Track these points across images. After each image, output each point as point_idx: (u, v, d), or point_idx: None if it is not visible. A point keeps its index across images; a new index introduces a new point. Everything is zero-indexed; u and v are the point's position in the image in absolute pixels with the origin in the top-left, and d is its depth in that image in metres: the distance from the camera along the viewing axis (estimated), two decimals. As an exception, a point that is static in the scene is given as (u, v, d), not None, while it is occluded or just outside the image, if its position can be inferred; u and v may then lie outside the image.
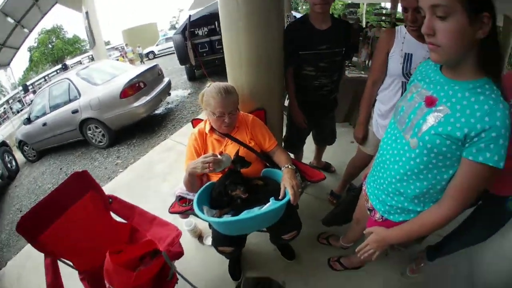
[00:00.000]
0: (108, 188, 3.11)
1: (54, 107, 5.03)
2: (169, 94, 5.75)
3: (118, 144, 4.83)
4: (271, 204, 1.24)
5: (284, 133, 2.26)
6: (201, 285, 1.69)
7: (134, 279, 1.21)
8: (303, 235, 1.61)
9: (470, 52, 0.74)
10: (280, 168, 1.48)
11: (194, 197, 1.39)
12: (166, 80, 5.65)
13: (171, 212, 1.56)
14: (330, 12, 1.79)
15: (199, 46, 7.24)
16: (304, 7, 26.11)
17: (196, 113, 5.12)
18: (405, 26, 1.45)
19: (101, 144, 4.89)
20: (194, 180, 1.43)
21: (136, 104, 4.58)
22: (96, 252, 1.53)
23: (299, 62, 1.83)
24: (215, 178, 1.49)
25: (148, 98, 4.76)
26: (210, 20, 7.87)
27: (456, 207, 0.83)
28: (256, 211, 1.25)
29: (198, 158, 1.33)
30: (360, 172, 2.09)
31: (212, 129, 1.54)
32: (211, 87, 1.46)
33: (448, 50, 0.73)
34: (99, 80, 4.86)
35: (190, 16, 7.02)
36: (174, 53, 17.31)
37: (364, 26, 10.67)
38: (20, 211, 4.15)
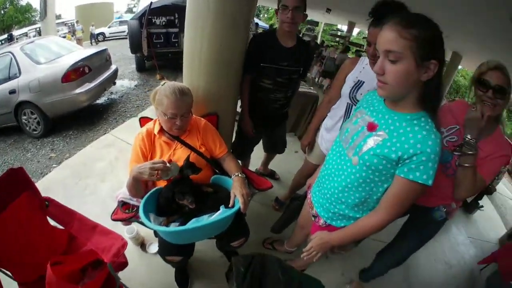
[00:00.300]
0: (40, 187, 2.72)
1: None
2: (114, 84, 5.34)
3: (53, 135, 4.29)
4: (221, 213, 1.24)
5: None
6: None
7: None
8: (249, 240, 1.63)
9: (414, 89, 0.87)
10: (229, 176, 1.47)
11: (140, 204, 1.32)
12: (113, 67, 5.21)
13: (113, 219, 1.44)
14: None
15: (154, 36, 6.86)
16: (266, 15, 26.84)
17: (141, 108, 4.82)
18: None
19: (35, 132, 4.31)
20: (138, 185, 1.35)
21: (78, 90, 4.15)
22: (34, 261, 1.37)
23: (258, 73, 1.88)
24: (161, 183, 1.42)
25: (91, 85, 4.35)
26: (170, 11, 7.50)
27: (389, 216, 0.97)
28: (205, 219, 1.23)
29: (146, 163, 1.25)
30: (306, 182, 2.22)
31: (161, 131, 1.46)
32: (165, 85, 1.38)
33: (393, 88, 0.86)
34: (43, 58, 4.31)
35: (151, 3, 6.61)
36: (126, 38, 14.93)
37: (319, 44, 11.26)
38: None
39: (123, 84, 6.32)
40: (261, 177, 1.72)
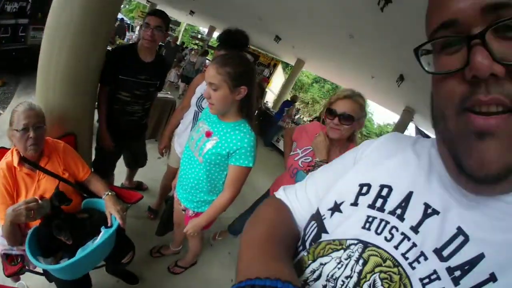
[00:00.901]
0: None
1: None
2: None
3: None
4: (103, 234, 1.33)
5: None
6: None
7: None
8: (137, 255, 1.69)
9: (233, 105, 1.31)
10: (99, 196, 1.53)
11: (22, 251, 1.28)
12: None
13: (8, 275, 1.30)
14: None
15: (2, 30, 5.23)
16: (127, 6, 24.54)
17: None
18: None
19: None
20: (16, 230, 1.27)
21: None
22: None
23: (116, 85, 1.94)
24: (33, 224, 1.33)
25: None
26: None
27: (231, 193, 1.41)
28: (90, 245, 1.29)
29: (20, 204, 1.18)
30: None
31: (21, 161, 1.36)
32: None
33: (217, 107, 1.29)
34: None
35: None
36: None
37: (179, 45, 11.08)
38: None
39: None
40: (130, 190, 1.84)
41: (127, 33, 11.87)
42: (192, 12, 11.81)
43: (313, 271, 0.42)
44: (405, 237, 0.38)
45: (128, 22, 14.07)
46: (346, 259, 0.40)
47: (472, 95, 0.32)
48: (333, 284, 0.39)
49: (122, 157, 2.46)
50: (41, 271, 1.46)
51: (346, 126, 1.35)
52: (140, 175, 2.94)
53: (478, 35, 0.30)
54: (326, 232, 0.44)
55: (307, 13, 5.43)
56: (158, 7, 15.40)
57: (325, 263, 0.41)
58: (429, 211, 0.38)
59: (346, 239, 0.41)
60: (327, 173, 0.57)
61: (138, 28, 10.91)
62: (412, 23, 3.51)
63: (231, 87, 1.24)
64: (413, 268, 0.35)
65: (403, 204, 0.40)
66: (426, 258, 0.35)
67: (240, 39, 1.83)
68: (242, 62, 1.27)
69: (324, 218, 0.45)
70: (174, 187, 1.73)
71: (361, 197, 0.44)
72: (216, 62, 1.24)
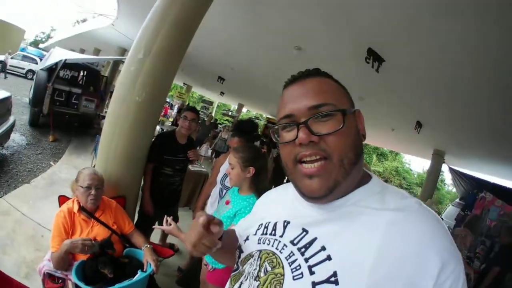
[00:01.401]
0: None
1: None
2: (9, 138, 4.63)
3: None
4: (139, 275, 1.65)
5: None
6: None
7: None
8: None
9: (245, 181, 1.72)
10: (138, 247, 1.91)
11: (62, 275, 1.66)
12: (11, 119, 4.52)
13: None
14: (188, 101, 2.76)
15: (57, 93, 6.43)
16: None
17: (33, 173, 4.43)
18: None
19: None
20: (67, 257, 1.66)
21: None
22: None
23: (160, 163, 2.51)
24: (81, 256, 1.71)
25: None
26: (78, 67, 7.34)
27: None
28: (126, 282, 1.61)
29: (77, 239, 1.61)
30: None
31: (80, 210, 1.81)
32: (82, 169, 1.87)
33: (233, 181, 1.73)
34: None
35: (65, 60, 6.37)
36: (23, 77, 14.23)
37: (213, 122, 12.30)
38: None
39: (15, 139, 5.49)
40: (163, 247, 2.17)
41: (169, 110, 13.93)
42: (222, 93, 13.51)
43: (243, 272, 0.69)
44: (276, 240, 0.65)
45: (168, 100, 16.06)
46: (253, 261, 0.67)
47: (300, 153, 0.57)
48: (249, 276, 0.65)
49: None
50: None
51: None
52: (173, 237, 3.10)
53: (303, 122, 0.56)
54: (243, 252, 0.73)
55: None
56: (193, 89, 17.46)
57: (245, 268, 0.68)
58: (285, 224, 0.67)
59: (252, 251, 0.69)
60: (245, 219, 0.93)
61: (176, 106, 12.44)
62: (409, 74, 3.95)
63: (241, 167, 1.71)
64: (281, 252, 0.62)
65: (274, 228, 0.69)
66: (286, 246, 0.62)
67: (249, 127, 2.39)
68: (252, 149, 1.78)
69: (242, 245, 0.75)
70: None
71: (257, 230, 0.73)
72: (234, 148, 1.83)
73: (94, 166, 2.31)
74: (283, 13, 3.62)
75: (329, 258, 0.54)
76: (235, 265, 0.73)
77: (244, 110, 16.31)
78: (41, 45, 31.90)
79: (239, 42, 5.52)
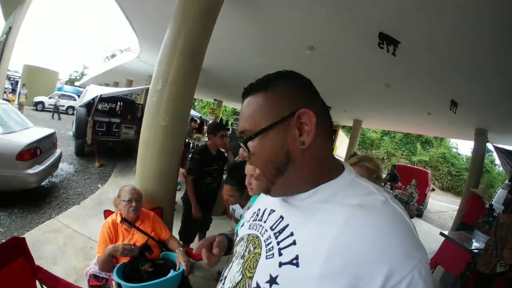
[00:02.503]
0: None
1: None
2: (57, 168, 5.30)
3: None
4: (171, 273, 1.85)
5: (179, 228, 3.03)
6: None
7: None
8: None
9: None
10: (173, 251, 2.12)
11: (106, 276, 1.93)
12: (58, 151, 5.26)
13: (91, 285, 1.94)
14: (221, 115, 2.98)
15: (98, 124, 7.13)
16: (200, 103, 30.37)
17: (82, 196, 4.97)
18: None
19: None
20: (110, 259, 1.91)
21: (30, 171, 4.05)
22: None
23: (201, 174, 2.87)
24: (122, 259, 1.95)
25: (41, 167, 4.31)
26: (114, 99, 8.12)
27: None
28: (159, 279, 1.80)
29: (118, 244, 1.88)
30: None
31: (122, 220, 2.08)
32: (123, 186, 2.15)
33: (256, 191, 1.58)
34: (1, 129, 4.20)
35: (101, 95, 7.16)
36: (63, 113, 15.39)
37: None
38: None
39: (63, 168, 6.19)
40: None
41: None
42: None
43: (235, 252, 0.78)
44: (261, 226, 0.73)
45: (200, 115, 16.89)
46: (243, 243, 0.75)
47: None
48: (239, 255, 0.74)
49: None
50: None
51: None
52: None
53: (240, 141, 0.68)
54: (237, 236, 0.83)
55: (343, 78, 6.05)
56: (224, 103, 18.00)
57: (237, 248, 0.78)
58: (270, 211, 0.74)
59: (243, 235, 0.78)
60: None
61: (210, 121, 12.90)
62: (429, 53, 3.74)
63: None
64: (262, 236, 0.69)
65: (262, 214, 0.77)
66: (266, 231, 0.69)
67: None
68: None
69: (238, 231, 0.85)
70: None
71: (251, 217, 0.81)
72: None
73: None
74: (288, 16, 3.72)
75: (294, 243, 0.60)
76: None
77: None
78: (76, 83, 34.18)
79: (254, 53, 5.68)
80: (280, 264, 0.59)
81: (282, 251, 0.61)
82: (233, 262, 0.75)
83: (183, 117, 2.68)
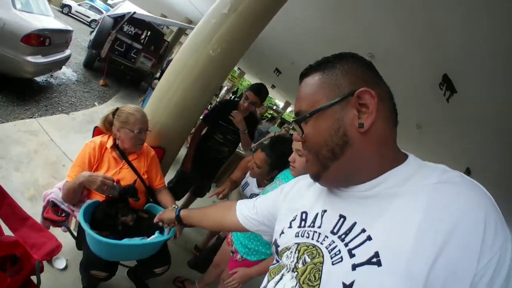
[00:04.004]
0: None
1: None
2: (60, 68, 4.89)
3: None
4: (157, 237, 1.40)
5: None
6: None
7: (7, 286, 1.02)
8: (160, 278, 1.70)
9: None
10: (161, 205, 1.66)
11: (72, 209, 1.44)
12: (67, 52, 4.75)
13: (45, 218, 1.43)
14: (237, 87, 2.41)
15: (118, 42, 6.63)
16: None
17: (74, 107, 4.48)
18: None
19: None
20: (80, 191, 1.43)
21: (29, 58, 3.57)
22: None
23: (215, 127, 2.38)
24: (96, 196, 1.49)
25: (43, 60, 3.83)
26: (143, 25, 7.46)
27: None
28: (138, 240, 1.37)
29: (98, 174, 1.38)
30: None
31: (113, 146, 1.59)
32: (126, 107, 1.60)
33: (299, 170, 1.36)
34: (20, 4, 3.69)
35: (135, 12, 6.46)
36: (86, 24, 14.88)
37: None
38: None
39: (65, 72, 5.71)
40: None
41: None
42: (273, 86, 13.08)
43: (282, 264, 0.68)
44: (315, 232, 0.63)
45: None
46: (290, 253, 0.65)
47: None
48: (287, 268, 0.64)
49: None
50: (75, 235, 1.58)
51: None
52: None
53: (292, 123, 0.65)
54: (279, 246, 0.71)
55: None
56: (246, 76, 17.26)
57: (283, 260, 0.67)
58: (323, 213, 0.65)
59: (289, 245, 0.67)
60: (269, 198, 0.91)
61: (225, 88, 12.29)
62: (476, 113, 3.50)
63: None
64: (322, 244, 0.60)
65: (312, 219, 0.67)
66: (327, 237, 0.60)
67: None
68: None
69: (277, 240, 0.73)
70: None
71: (292, 222, 0.71)
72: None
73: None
74: (366, 17, 3.39)
75: (369, 238, 0.53)
76: (274, 260, 0.74)
77: (288, 109, 16.33)
78: (109, 1, 34.09)
79: (311, 37, 5.19)
80: (354, 267, 0.51)
81: (354, 251, 0.53)
82: (282, 275, 0.65)
83: (235, 55, 2.16)
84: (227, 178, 2.23)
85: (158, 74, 8.51)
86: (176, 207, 1.57)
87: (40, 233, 1.16)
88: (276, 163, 1.67)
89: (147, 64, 7.14)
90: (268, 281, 0.69)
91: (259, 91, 2.31)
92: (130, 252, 1.43)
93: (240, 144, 2.55)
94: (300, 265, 0.61)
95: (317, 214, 0.66)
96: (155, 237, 1.40)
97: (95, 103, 5.05)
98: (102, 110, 4.85)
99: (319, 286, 0.54)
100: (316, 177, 0.64)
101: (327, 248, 0.58)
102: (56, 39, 4.17)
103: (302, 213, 0.70)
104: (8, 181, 2.32)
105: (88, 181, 1.35)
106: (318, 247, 0.60)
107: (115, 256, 1.43)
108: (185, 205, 2.92)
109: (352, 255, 0.53)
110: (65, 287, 1.74)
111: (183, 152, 2.44)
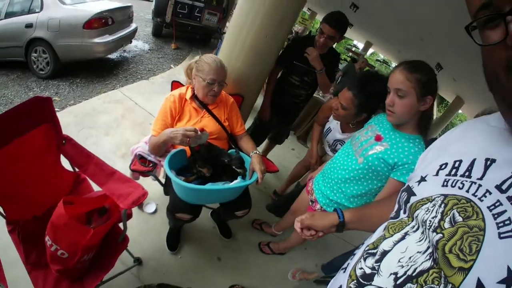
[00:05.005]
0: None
1: (9, 14, 4.17)
2: (130, 42, 5.29)
3: (59, 78, 4.13)
4: (239, 182, 1.39)
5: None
6: (138, 253, 1.73)
7: (90, 237, 1.09)
8: (240, 219, 1.75)
9: (415, 116, 1.17)
10: (242, 151, 1.64)
11: (155, 160, 1.51)
12: (133, 25, 5.14)
13: (132, 170, 1.52)
14: (309, 30, 2.02)
15: (179, 5, 6.64)
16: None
17: (152, 72, 4.81)
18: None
19: (42, 72, 4.16)
20: (165, 147, 1.49)
21: (97, 40, 4.05)
22: (34, 199, 1.35)
23: (289, 69, 2.09)
24: (180, 146, 1.52)
25: (111, 38, 4.27)
26: None
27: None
28: (221, 185, 1.38)
29: (178, 129, 1.36)
30: (306, 172, 2.41)
31: (193, 97, 1.59)
32: (205, 56, 1.53)
33: (399, 115, 1.16)
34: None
35: None
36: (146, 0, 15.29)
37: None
38: None
39: (137, 45, 6.16)
40: (269, 161, 1.86)
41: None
42: (350, 25, 11.58)
43: (409, 222, 0.55)
44: (473, 183, 0.47)
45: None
46: (432, 207, 0.50)
47: None
48: (423, 226, 0.50)
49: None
50: (162, 182, 1.71)
51: None
52: (272, 159, 3.01)
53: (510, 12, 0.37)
54: (414, 195, 0.56)
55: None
56: (317, 17, 15.75)
57: (417, 215, 0.52)
58: (489, 162, 0.48)
59: (431, 196, 0.52)
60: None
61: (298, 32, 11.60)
62: None
63: (419, 95, 1.12)
64: (482, 200, 0.44)
65: (469, 168, 0.50)
66: (490, 193, 0.44)
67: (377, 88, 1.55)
68: (429, 69, 1.17)
69: (413, 187, 0.58)
70: (310, 178, 1.69)
71: (440, 171, 0.55)
72: (404, 67, 1.14)
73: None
74: None
75: None
76: (394, 212, 0.62)
77: (369, 51, 14.20)
78: None
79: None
80: None
81: None
82: (406, 234, 0.53)
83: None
84: (305, 129, 2.02)
85: (225, 28, 8.39)
86: (258, 152, 1.57)
87: (127, 183, 1.23)
88: (364, 104, 1.47)
89: (212, 20, 7.03)
90: (384, 238, 0.57)
91: (335, 21, 1.86)
92: (213, 196, 1.48)
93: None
94: (446, 225, 0.46)
95: (474, 161, 0.50)
96: (237, 182, 1.40)
97: (171, 66, 5.31)
98: (179, 70, 5.06)
99: (474, 263, 0.40)
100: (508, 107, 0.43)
101: (489, 210, 0.43)
102: (118, 17, 4.50)
103: (456, 161, 0.54)
104: (100, 146, 2.59)
105: (170, 137, 1.37)
106: (474, 203, 0.45)
107: (198, 200, 1.48)
108: (264, 152, 2.89)
109: None
110: (154, 228, 1.96)
111: (259, 100, 2.33)
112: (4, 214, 1.30)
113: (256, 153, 1.56)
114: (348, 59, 12.78)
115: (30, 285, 1.21)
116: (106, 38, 4.18)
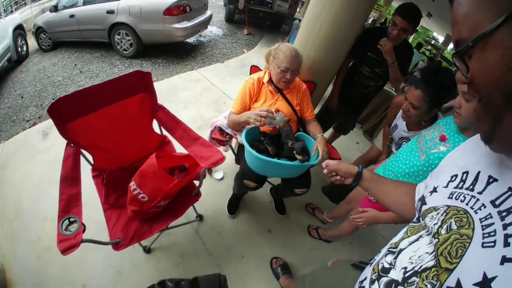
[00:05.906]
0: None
1: (88, 2, 4.83)
2: (206, 28, 5.67)
3: (142, 58, 4.71)
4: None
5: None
6: (201, 211, 2.03)
7: (172, 186, 1.29)
8: (295, 200, 1.90)
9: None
10: (309, 135, 1.78)
11: (232, 133, 1.74)
12: (208, 12, 5.53)
13: (213, 138, 1.76)
14: (385, 17, 1.98)
15: None
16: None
17: (227, 56, 5.12)
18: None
19: (125, 52, 4.79)
20: (242, 125, 1.68)
21: (177, 25, 4.49)
22: (123, 153, 1.63)
23: (360, 60, 2.13)
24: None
25: (189, 24, 4.68)
26: None
27: None
28: (288, 161, 1.51)
29: (252, 112, 1.55)
30: (368, 166, 2.39)
31: (269, 81, 1.75)
32: (282, 44, 1.67)
33: (464, 119, 1.17)
34: None
35: None
36: None
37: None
38: (22, 97, 3.95)
39: (212, 30, 6.56)
40: (333, 148, 1.91)
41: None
42: (429, 15, 10.51)
43: (425, 227, 0.61)
44: (473, 197, 0.54)
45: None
46: (436, 215, 0.59)
47: None
48: (428, 230, 0.59)
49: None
50: (235, 152, 1.93)
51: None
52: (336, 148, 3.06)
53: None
54: (425, 204, 0.64)
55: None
56: (393, 3, 14.60)
57: (425, 221, 0.61)
58: (491, 180, 0.53)
59: (437, 206, 0.60)
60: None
61: (371, 19, 11.00)
62: None
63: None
64: (476, 213, 0.50)
65: (474, 182, 0.56)
66: (483, 206, 0.50)
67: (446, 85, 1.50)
68: None
69: (426, 197, 0.66)
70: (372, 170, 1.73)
71: (450, 183, 0.62)
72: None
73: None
74: None
75: None
76: (415, 219, 0.70)
77: (451, 46, 12.65)
78: None
79: None
80: (503, 261, 0.41)
81: (510, 240, 0.42)
82: (420, 236, 0.61)
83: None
84: (373, 124, 2.01)
85: (296, 13, 8.33)
86: (323, 135, 1.68)
87: (208, 148, 1.44)
88: (435, 99, 1.44)
89: (284, 6, 7.11)
90: (403, 238, 0.65)
91: (408, 13, 1.82)
92: (279, 170, 1.60)
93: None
94: (443, 231, 0.53)
95: (479, 174, 0.56)
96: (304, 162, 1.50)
97: (244, 50, 5.57)
98: (251, 55, 5.32)
99: (457, 266, 0.46)
100: (487, 137, 0.49)
101: (481, 221, 0.49)
102: (195, 5, 4.88)
103: (464, 173, 0.60)
104: (178, 117, 2.87)
105: (248, 117, 1.56)
106: (470, 214, 0.51)
107: (265, 171, 1.64)
108: (329, 141, 2.90)
109: (507, 244, 0.42)
110: (219, 192, 2.28)
111: (328, 89, 2.39)
112: (92, 163, 1.57)
113: (322, 135, 1.67)
114: (427, 53, 11.67)
115: (99, 223, 1.43)
116: (185, 24, 4.56)
